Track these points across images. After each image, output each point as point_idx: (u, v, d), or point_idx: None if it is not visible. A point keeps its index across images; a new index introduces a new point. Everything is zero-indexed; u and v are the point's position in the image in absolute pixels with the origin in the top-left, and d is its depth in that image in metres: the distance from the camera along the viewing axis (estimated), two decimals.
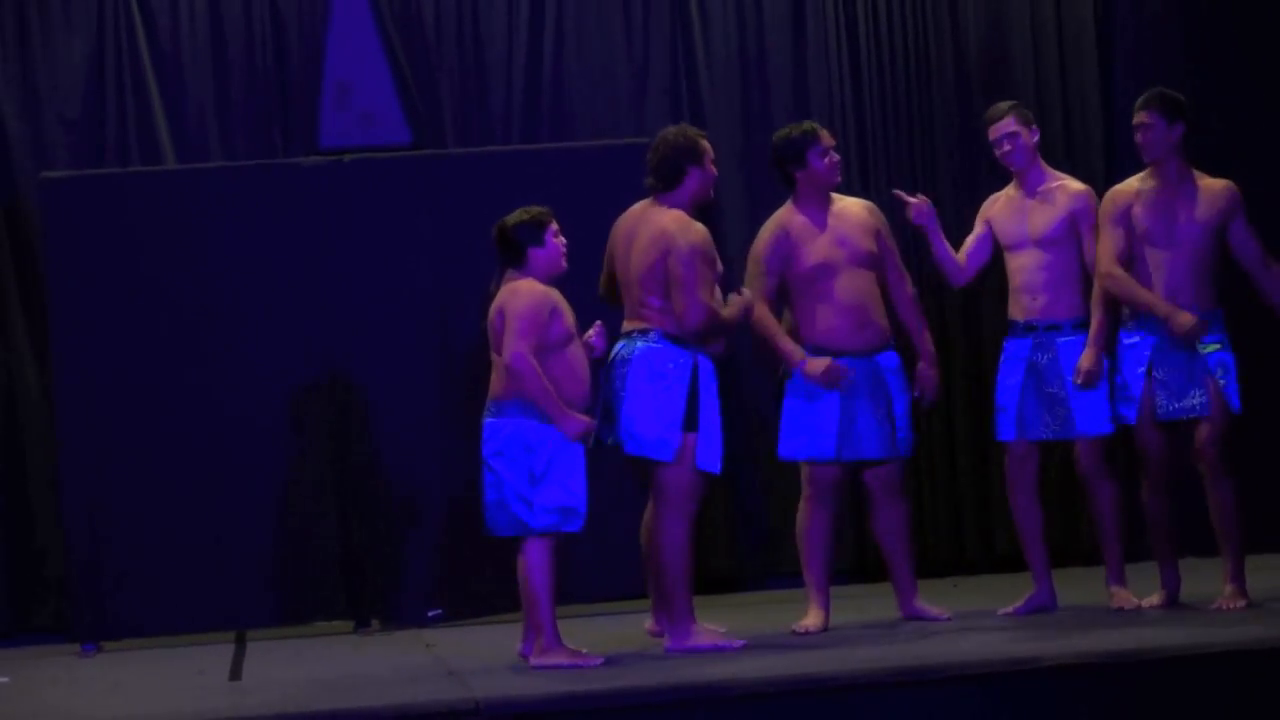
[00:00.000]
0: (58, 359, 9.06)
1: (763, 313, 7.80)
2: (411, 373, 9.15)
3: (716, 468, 7.45)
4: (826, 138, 7.93)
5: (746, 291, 7.65)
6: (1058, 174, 8.08)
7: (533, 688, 6.69)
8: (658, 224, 7.42)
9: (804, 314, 7.88)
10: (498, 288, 7.29)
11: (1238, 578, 7.68)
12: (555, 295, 7.23)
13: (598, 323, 7.44)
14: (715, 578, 9.64)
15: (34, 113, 9.67)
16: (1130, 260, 7.72)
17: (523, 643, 7.40)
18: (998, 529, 9.88)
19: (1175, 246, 7.73)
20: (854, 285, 7.84)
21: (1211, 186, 7.79)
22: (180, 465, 9.03)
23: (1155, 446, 7.81)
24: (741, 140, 10.10)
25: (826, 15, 10.17)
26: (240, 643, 9.06)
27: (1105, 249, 7.72)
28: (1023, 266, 7.96)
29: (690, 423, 7.36)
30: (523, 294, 7.16)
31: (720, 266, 7.58)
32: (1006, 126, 7.97)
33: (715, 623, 7.70)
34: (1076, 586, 8.39)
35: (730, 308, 7.52)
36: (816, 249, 7.84)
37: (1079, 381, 7.82)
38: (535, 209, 7.31)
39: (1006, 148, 8.00)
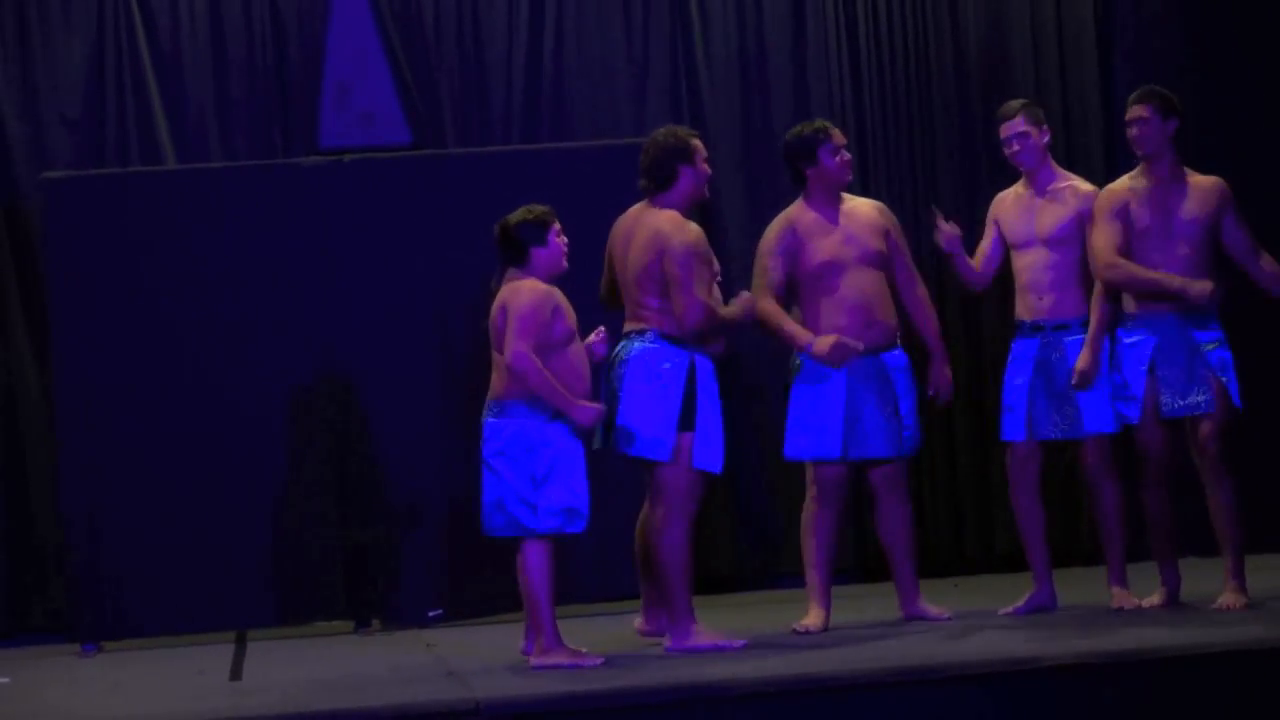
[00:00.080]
0: (58, 359, 9.06)
1: (768, 305, 7.81)
2: (411, 373, 9.15)
3: (717, 467, 7.46)
4: (838, 136, 7.95)
5: (746, 293, 7.66)
6: (1067, 174, 8.07)
7: (533, 688, 6.69)
8: (652, 225, 7.43)
9: (810, 312, 7.89)
10: (499, 287, 7.29)
11: (1238, 576, 7.68)
12: (557, 294, 7.23)
13: (600, 328, 7.45)
14: (715, 578, 9.65)
15: (34, 113, 9.68)
16: (1128, 257, 7.72)
17: (525, 642, 7.40)
18: (998, 529, 9.88)
19: (1171, 243, 7.73)
20: (861, 284, 7.85)
21: (1202, 183, 7.81)
22: (180, 465, 9.04)
23: (1156, 445, 7.81)
24: (741, 140, 10.11)
25: (826, 15, 10.18)
26: (240, 643, 9.06)
27: (1104, 243, 7.71)
28: (1030, 265, 7.95)
29: (686, 422, 7.36)
30: (525, 293, 7.17)
31: (717, 265, 7.59)
32: (1016, 126, 7.96)
33: (715, 623, 7.70)
34: (1076, 586, 8.39)
35: (731, 307, 7.53)
36: (824, 246, 7.85)
37: (1075, 383, 7.82)
38: (538, 208, 7.31)
39: (1015, 148, 7.99)
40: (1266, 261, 7.82)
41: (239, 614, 9.15)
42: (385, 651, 8.28)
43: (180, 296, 9.09)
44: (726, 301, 7.61)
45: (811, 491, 7.95)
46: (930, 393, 7.98)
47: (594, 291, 7.69)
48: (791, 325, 7.83)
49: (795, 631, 7.76)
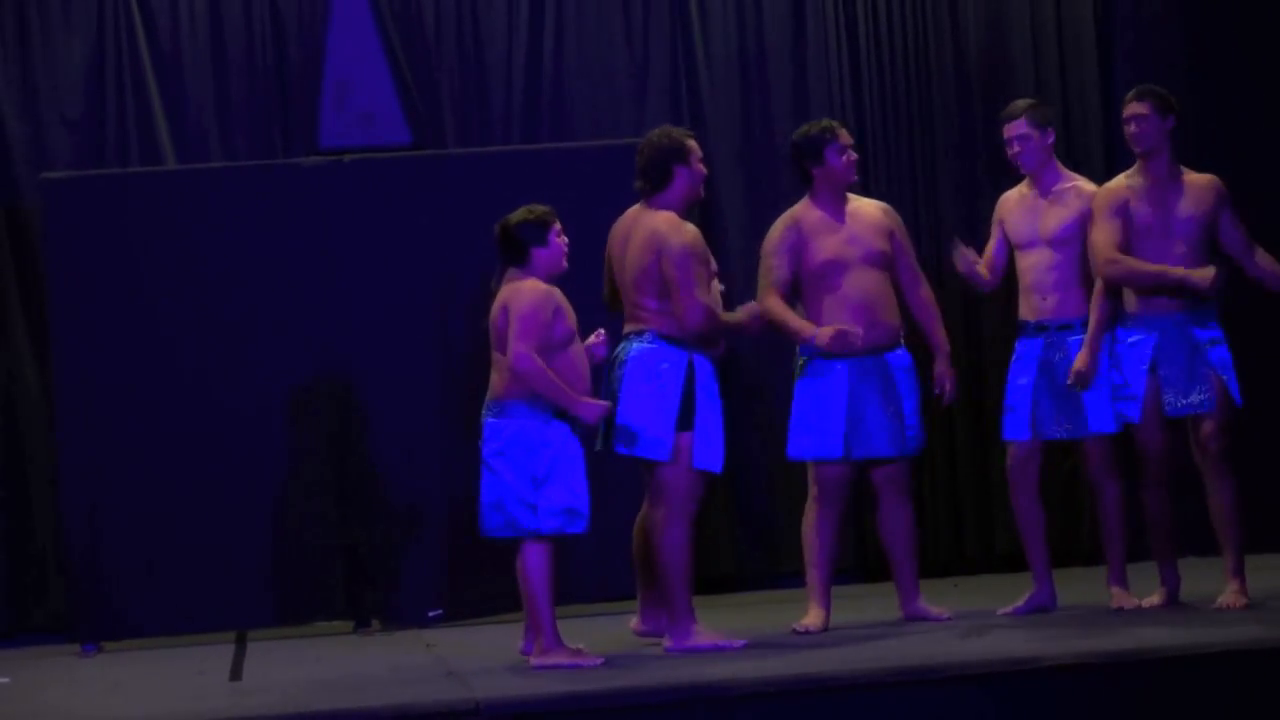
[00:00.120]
0: (58, 359, 9.06)
1: (774, 302, 7.82)
2: (411, 373, 9.15)
3: (717, 467, 7.46)
4: (845, 136, 7.97)
5: (753, 304, 7.65)
6: (1072, 174, 8.06)
7: (533, 688, 6.69)
8: (649, 226, 7.44)
9: (813, 310, 7.89)
10: (499, 286, 7.29)
11: (1239, 576, 7.68)
12: (558, 294, 7.23)
13: (599, 330, 7.45)
14: (716, 578, 9.65)
15: (34, 113, 9.68)
16: (1127, 254, 7.72)
17: (524, 641, 7.40)
18: (998, 529, 9.88)
19: (1170, 240, 7.74)
20: (863, 283, 7.85)
21: (1198, 181, 7.81)
22: (180, 465, 9.04)
23: (1156, 444, 7.81)
24: (741, 140, 10.11)
25: (826, 15, 10.17)
26: (240, 643, 9.06)
27: (1104, 240, 7.71)
28: (1034, 266, 7.96)
29: (685, 422, 7.37)
30: (526, 293, 7.17)
31: (715, 265, 7.59)
32: (1018, 128, 7.96)
33: (715, 623, 7.70)
34: (1076, 586, 8.39)
35: (735, 314, 7.54)
36: (827, 245, 7.86)
37: (1071, 382, 7.82)
38: (539, 208, 7.31)
39: (1016, 149, 7.99)
40: (1261, 257, 7.84)
41: (239, 614, 9.15)
42: (385, 651, 8.28)
43: (180, 296, 9.09)
44: (725, 301, 7.62)
45: (813, 491, 7.95)
46: (935, 391, 7.98)
47: (594, 292, 7.69)
48: (794, 319, 7.83)
49: (795, 631, 7.77)
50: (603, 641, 7.60)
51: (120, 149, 9.69)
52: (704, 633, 7.43)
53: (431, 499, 9.11)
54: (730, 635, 7.51)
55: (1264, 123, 10.17)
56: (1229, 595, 7.63)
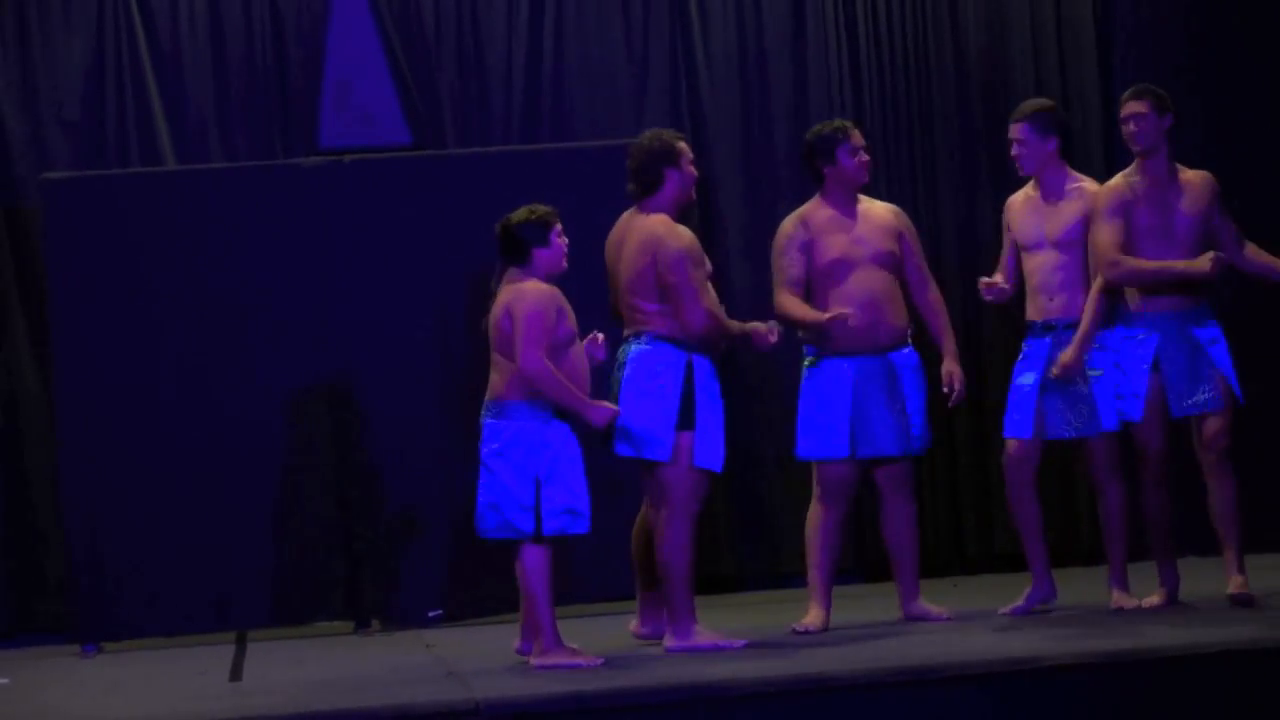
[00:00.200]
0: (58, 359, 9.06)
1: (787, 300, 7.84)
2: (411, 373, 9.15)
3: (718, 466, 7.47)
4: (858, 137, 7.98)
5: (757, 324, 7.63)
6: (1077, 175, 8.05)
7: (533, 688, 6.70)
8: (643, 230, 7.46)
9: (819, 308, 7.90)
10: (498, 286, 7.29)
11: (1243, 571, 7.71)
12: (559, 295, 7.24)
13: (596, 333, 7.45)
14: (716, 578, 9.65)
15: (34, 113, 9.68)
16: (1131, 255, 7.72)
17: (520, 641, 7.40)
18: (998, 529, 9.88)
19: (1172, 240, 7.75)
20: (870, 283, 7.86)
21: (1194, 179, 7.83)
22: (180, 465, 9.04)
23: (1157, 443, 7.82)
24: (741, 140, 10.11)
25: (826, 15, 10.17)
26: (240, 643, 9.06)
27: (1106, 241, 7.72)
28: (1040, 267, 7.96)
29: (686, 421, 7.38)
30: (529, 296, 7.16)
31: (709, 266, 7.59)
32: (1021, 132, 7.95)
33: (715, 623, 7.70)
34: (1076, 586, 8.39)
35: (740, 325, 7.53)
36: (835, 245, 7.88)
37: (1054, 373, 7.83)
38: (541, 208, 7.31)
39: (1015, 151, 8.00)
40: (1251, 250, 7.87)
41: (239, 614, 9.15)
42: (385, 651, 8.29)
43: (180, 297, 9.09)
44: (724, 301, 7.64)
45: (817, 492, 7.96)
46: (944, 390, 7.98)
47: (593, 292, 7.69)
48: (804, 309, 7.83)
49: (795, 632, 7.77)
50: (603, 642, 7.61)
51: (120, 149, 9.69)
52: (704, 632, 7.44)
53: (431, 499, 9.11)
54: (730, 635, 7.51)
55: (1264, 123, 10.17)
56: (1241, 585, 7.65)
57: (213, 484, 9.05)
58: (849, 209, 7.97)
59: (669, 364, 7.41)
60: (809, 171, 8.04)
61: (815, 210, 7.98)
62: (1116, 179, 7.87)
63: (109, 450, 9.01)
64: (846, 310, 7.73)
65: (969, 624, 7.74)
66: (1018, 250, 8.07)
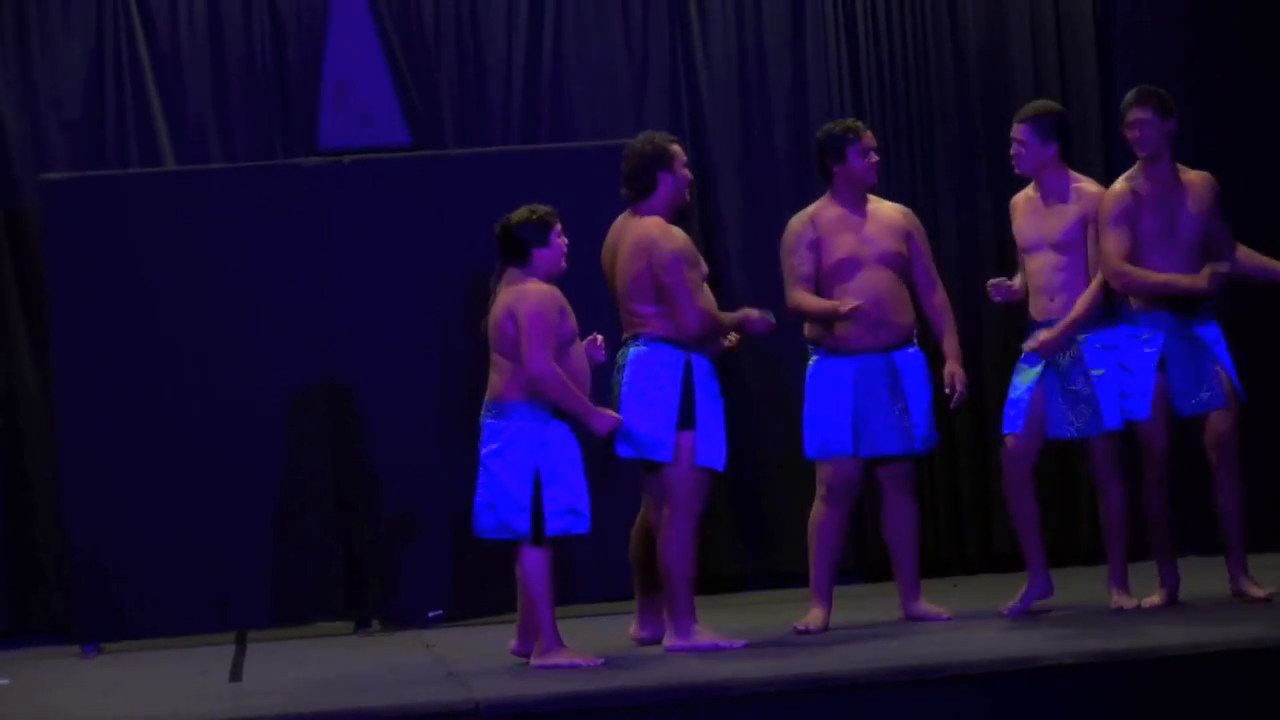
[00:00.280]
0: (58, 359, 9.06)
1: (801, 297, 7.84)
2: (411, 373, 9.15)
3: (720, 465, 7.49)
4: (869, 138, 7.99)
5: (749, 310, 7.64)
6: (1076, 175, 8.05)
7: (533, 688, 6.70)
8: (637, 232, 7.47)
9: None
10: (498, 286, 7.29)
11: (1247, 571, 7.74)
12: (560, 295, 7.24)
13: (595, 335, 7.45)
14: (716, 578, 9.64)
15: (33, 114, 9.67)
16: (1138, 260, 7.74)
17: (517, 641, 7.40)
18: (998, 529, 9.88)
19: (1176, 242, 7.77)
20: (875, 282, 7.86)
21: (1196, 180, 7.85)
22: (180, 465, 9.04)
23: (1161, 442, 7.83)
24: (740, 140, 10.10)
25: (826, 15, 10.17)
26: (240, 643, 9.06)
27: (1113, 249, 7.73)
28: (1041, 268, 7.96)
29: (686, 421, 7.39)
30: (532, 297, 7.16)
31: (705, 266, 7.60)
32: (1021, 133, 7.94)
33: (715, 623, 7.70)
34: (1076, 586, 8.39)
35: (733, 315, 7.54)
36: (842, 243, 7.88)
37: (1029, 346, 7.84)
38: (541, 208, 7.31)
39: (1014, 150, 8.00)
40: (1243, 253, 7.90)
41: (239, 614, 9.15)
42: (385, 652, 8.29)
43: (180, 297, 9.09)
44: (719, 301, 7.64)
45: (820, 491, 7.96)
46: (946, 391, 7.99)
47: (593, 292, 7.70)
48: (818, 303, 7.84)
49: (796, 631, 7.77)
50: (603, 642, 7.60)
51: (119, 150, 9.69)
52: (704, 632, 7.44)
53: (431, 499, 9.11)
54: (730, 635, 7.51)
55: (1264, 123, 10.16)
56: (1257, 584, 7.67)
57: (213, 484, 9.05)
58: (858, 208, 7.97)
59: (667, 365, 7.43)
60: (818, 169, 8.05)
61: (824, 209, 7.98)
62: (1120, 184, 7.87)
63: (109, 450, 9.01)
64: (861, 302, 7.74)
65: (969, 624, 7.74)
66: None
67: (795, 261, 7.92)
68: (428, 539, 9.14)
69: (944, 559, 10.00)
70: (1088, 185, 8.00)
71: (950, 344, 8.04)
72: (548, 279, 7.26)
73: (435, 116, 9.87)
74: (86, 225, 9.08)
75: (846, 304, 7.74)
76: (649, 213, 7.52)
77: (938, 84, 10.25)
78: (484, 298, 7.35)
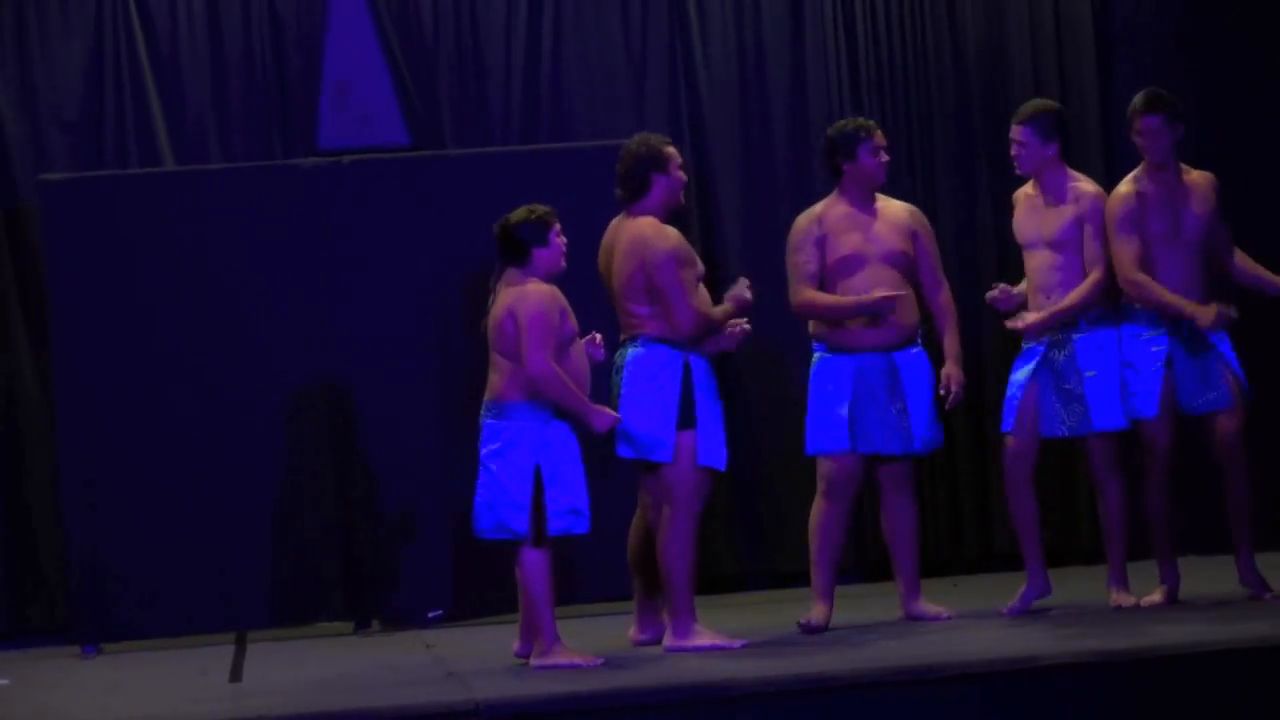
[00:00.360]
0: (58, 359, 9.07)
1: (808, 294, 7.84)
2: (411, 373, 9.16)
3: (720, 464, 7.50)
4: (880, 137, 7.99)
5: (738, 292, 7.64)
6: (1074, 175, 8.05)
7: (533, 688, 6.70)
8: (631, 234, 7.49)
9: None
10: (498, 286, 7.29)
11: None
12: (559, 294, 7.24)
13: (598, 334, 7.46)
14: (715, 578, 9.64)
15: (33, 115, 9.67)
16: (1147, 263, 7.76)
17: (519, 643, 7.40)
18: (997, 529, 9.88)
19: (1182, 243, 7.81)
20: (878, 281, 7.86)
21: (1199, 180, 7.88)
22: (180, 466, 9.04)
23: (1165, 441, 7.84)
24: (740, 140, 10.10)
25: (825, 15, 10.16)
26: (240, 644, 9.06)
27: (1124, 258, 7.75)
28: (1038, 267, 7.97)
29: (685, 421, 7.40)
30: (532, 297, 7.16)
31: (700, 266, 7.60)
32: (1021, 133, 7.95)
33: (715, 623, 7.70)
34: (1076, 586, 8.39)
35: (722, 306, 7.56)
36: (848, 242, 7.89)
37: (1013, 324, 7.84)
38: (540, 208, 7.31)
39: (1014, 151, 8.00)
40: (1241, 259, 7.94)
41: (239, 615, 9.15)
42: (385, 652, 8.29)
43: (179, 298, 9.09)
44: (717, 300, 7.64)
45: (820, 487, 7.97)
46: (941, 392, 7.99)
47: (592, 292, 7.70)
48: (837, 300, 7.84)
49: (800, 624, 7.77)
50: (602, 642, 7.61)
51: (119, 150, 9.69)
52: (704, 632, 7.44)
53: (431, 499, 9.11)
54: (730, 635, 7.51)
55: (1263, 123, 10.16)
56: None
57: (213, 484, 9.05)
58: (866, 206, 7.97)
59: (665, 365, 7.44)
60: (827, 167, 8.05)
61: (831, 206, 7.98)
62: (1125, 186, 7.87)
63: (109, 450, 9.02)
64: (886, 301, 7.74)
65: (969, 624, 7.74)
66: None
67: (801, 259, 7.92)
68: (428, 539, 9.14)
69: (944, 559, 10.00)
70: (1085, 185, 8.00)
71: (951, 344, 8.04)
72: (547, 279, 7.26)
73: (434, 117, 9.87)
74: (86, 225, 9.08)
75: (878, 293, 7.73)
76: (643, 214, 7.53)
77: (937, 84, 10.25)
78: (484, 298, 7.35)
